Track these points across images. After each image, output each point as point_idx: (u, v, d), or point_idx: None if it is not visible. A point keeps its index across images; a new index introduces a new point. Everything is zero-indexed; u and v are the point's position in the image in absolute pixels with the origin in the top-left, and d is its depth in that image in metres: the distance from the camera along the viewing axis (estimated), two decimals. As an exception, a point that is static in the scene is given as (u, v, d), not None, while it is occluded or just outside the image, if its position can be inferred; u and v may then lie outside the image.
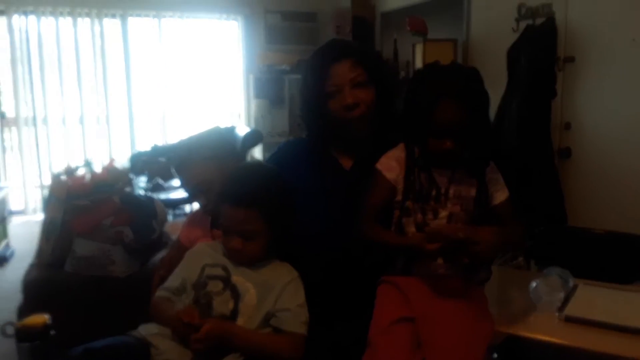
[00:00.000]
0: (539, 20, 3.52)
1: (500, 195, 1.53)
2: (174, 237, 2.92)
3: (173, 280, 1.52)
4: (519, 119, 3.41)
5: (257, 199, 1.43)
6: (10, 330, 1.37)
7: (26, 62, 5.36)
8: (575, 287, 1.70)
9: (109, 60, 5.66)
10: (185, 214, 4.34)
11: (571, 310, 1.56)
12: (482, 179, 1.50)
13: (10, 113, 5.44)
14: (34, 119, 5.42)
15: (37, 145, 5.47)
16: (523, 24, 3.60)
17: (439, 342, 1.38)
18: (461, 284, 1.48)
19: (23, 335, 1.34)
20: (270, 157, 1.82)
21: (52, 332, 1.36)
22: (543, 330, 1.51)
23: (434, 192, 1.47)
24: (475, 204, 1.49)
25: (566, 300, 1.61)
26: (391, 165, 1.50)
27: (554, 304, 1.59)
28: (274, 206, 1.45)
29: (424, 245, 1.39)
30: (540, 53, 3.40)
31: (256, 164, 1.65)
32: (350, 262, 1.57)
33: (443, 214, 1.48)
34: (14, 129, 5.46)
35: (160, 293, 1.51)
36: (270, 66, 5.51)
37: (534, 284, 1.64)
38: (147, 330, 1.44)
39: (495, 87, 3.59)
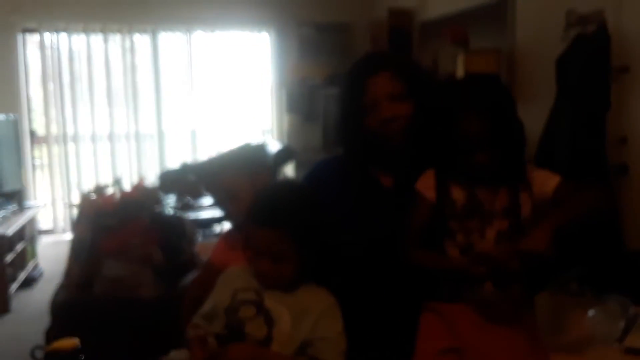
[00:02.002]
0: (590, 28, 3.35)
1: (550, 183, 1.43)
2: (204, 258, 2.86)
3: (205, 306, 1.47)
4: (570, 133, 3.24)
5: (286, 218, 1.36)
6: (39, 354, 1.37)
7: (57, 79, 5.40)
8: (635, 316, 1.60)
9: (139, 76, 5.68)
10: (215, 235, 4.24)
11: (632, 341, 1.49)
12: (522, 180, 1.43)
13: (40, 131, 5.48)
14: (64, 136, 5.45)
15: (66, 163, 5.48)
16: (573, 32, 3.42)
17: None
18: (511, 310, 1.39)
19: (52, 359, 1.35)
20: (305, 176, 1.77)
21: (82, 357, 1.36)
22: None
23: (476, 210, 1.41)
24: (521, 218, 1.41)
25: (626, 330, 1.54)
26: (429, 184, 1.46)
27: (612, 335, 1.52)
28: (304, 226, 1.37)
29: (469, 268, 1.35)
30: (592, 63, 3.23)
31: (285, 182, 1.61)
32: (392, 287, 1.50)
33: (490, 233, 1.40)
34: (44, 146, 5.47)
35: (193, 319, 1.46)
36: (303, 80, 5.44)
37: (591, 313, 1.57)
38: (178, 355, 1.40)
39: (544, 99, 3.43)
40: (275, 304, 1.36)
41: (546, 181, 1.44)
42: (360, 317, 1.44)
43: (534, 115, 3.10)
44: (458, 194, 1.42)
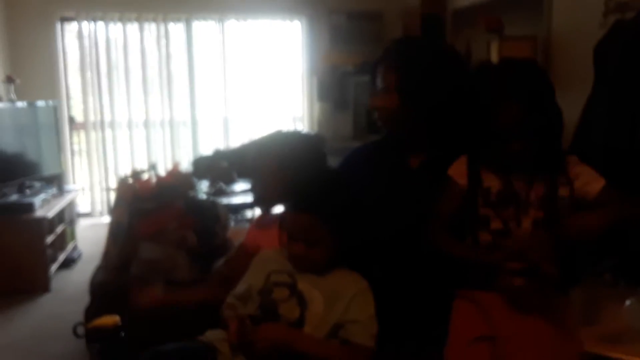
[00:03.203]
0: (630, 14, 3.27)
1: (594, 185, 1.38)
2: (237, 242, 2.90)
3: (239, 287, 1.50)
4: (609, 122, 3.17)
5: (321, 204, 1.39)
6: (81, 330, 1.41)
7: (95, 67, 5.50)
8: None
9: (174, 64, 5.74)
10: (247, 220, 4.29)
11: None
12: (563, 173, 1.39)
13: (79, 117, 5.59)
14: (102, 123, 5.55)
15: (104, 148, 5.59)
16: (611, 19, 3.35)
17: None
18: (543, 301, 1.36)
19: (93, 335, 1.39)
20: (342, 162, 1.79)
21: (122, 334, 1.40)
22: (638, 352, 1.41)
23: (512, 198, 1.39)
24: (558, 207, 1.38)
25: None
26: (462, 171, 1.45)
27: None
28: (338, 212, 1.40)
29: (504, 264, 1.33)
30: (631, 50, 3.15)
31: (320, 168, 1.61)
32: (422, 272, 1.50)
33: (526, 221, 1.39)
34: (82, 132, 5.60)
35: (228, 299, 1.49)
36: (334, 68, 5.43)
37: (627, 303, 1.54)
38: (214, 335, 1.42)
39: (581, 87, 3.37)
40: (308, 287, 1.39)
41: (591, 182, 1.39)
42: (392, 302, 1.45)
43: (570, 104, 3.04)
44: (492, 182, 1.40)
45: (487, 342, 1.34)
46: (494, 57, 3.94)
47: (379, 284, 1.44)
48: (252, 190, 1.82)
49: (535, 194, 1.38)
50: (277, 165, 1.63)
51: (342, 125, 5.52)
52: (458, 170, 1.45)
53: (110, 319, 1.42)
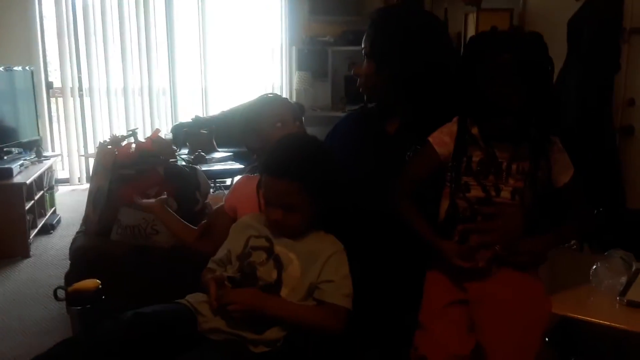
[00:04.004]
0: (604, -11, 3.32)
1: (564, 176, 1.44)
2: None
3: (219, 253, 1.52)
4: (579, 94, 3.25)
5: (299, 171, 1.38)
6: (61, 294, 1.40)
7: (72, 33, 5.41)
8: (637, 271, 1.61)
9: (152, 31, 5.67)
10: (226, 186, 4.34)
11: (634, 294, 1.49)
12: (545, 155, 1.41)
13: (56, 83, 5.52)
14: (80, 89, 5.49)
15: (82, 115, 5.55)
16: (586, -7, 3.40)
17: (494, 325, 1.33)
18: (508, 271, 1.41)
19: (74, 298, 1.37)
20: (331, 130, 1.83)
21: (103, 297, 1.39)
22: (603, 314, 1.45)
23: (493, 168, 1.39)
24: (536, 182, 1.41)
25: (628, 285, 1.54)
26: (444, 140, 1.43)
27: (615, 288, 1.53)
28: (317, 179, 1.40)
29: (455, 261, 1.35)
30: (605, 24, 3.22)
31: (301, 135, 1.57)
32: (395, 234, 1.50)
33: (506, 190, 1.40)
34: (60, 99, 5.54)
35: (209, 265, 1.52)
36: (314, 38, 5.41)
37: (595, 267, 1.57)
38: (194, 298, 1.44)
39: (554, 59, 3.41)
40: (285, 250, 1.41)
41: (562, 172, 1.43)
42: (369, 268, 1.48)
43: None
44: (474, 150, 1.41)
45: (461, 306, 1.37)
46: (471, 30, 3.99)
47: (357, 249, 1.46)
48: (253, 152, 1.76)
49: (516, 167, 1.39)
50: (279, 126, 1.60)
51: (321, 95, 5.53)
52: (439, 139, 1.44)
53: (92, 282, 1.42)
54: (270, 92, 2.40)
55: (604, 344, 1.65)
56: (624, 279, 1.54)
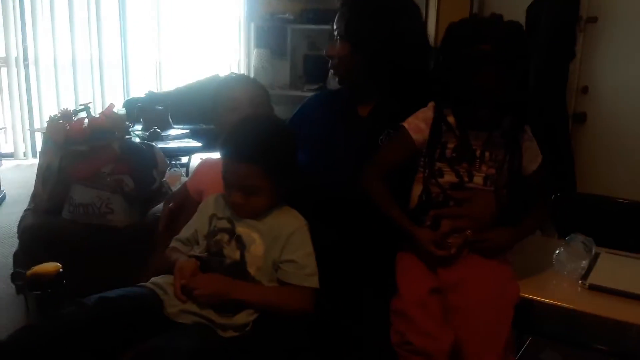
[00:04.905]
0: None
1: (533, 164, 1.48)
2: (173, 187, 2.87)
3: (185, 231, 1.49)
4: (534, 80, 3.31)
5: (260, 154, 1.35)
6: (18, 278, 1.36)
7: (17, 0, 5.13)
8: (597, 255, 1.65)
9: (103, 2, 5.43)
10: (182, 164, 4.24)
11: (595, 278, 1.52)
12: (517, 144, 1.44)
13: (0, 52, 5.24)
14: (25, 59, 5.23)
15: (27, 87, 5.30)
16: (545, -21, 3.45)
17: (466, 311, 1.35)
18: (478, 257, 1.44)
19: (33, 283, 1.32)
20: (297, 110, 1.80)
21: (64, 281, 1.34)
22: (566, 297, 1.47)
23: (467, 155, 1.41)
24: (509, 170, 1.44)
25: (589, 269, 1.57)
26: (419, 126, 1.43)
27: (576, 272, 1.55)
28: (277, 161, 1.37)
29: (430, 249, 1.38)
30: (562, 12, 3.28)
31: (261, 116, 1.52)
32: (361, 212, 1.50)
33: (478, 176, 1.42)
34: (3, 69, 5.27)
35: (172, 243, 1.48)
36: (274, 15, 5.31)
37: (557, 252, 1.59)
38: (162, 279, 1.40)
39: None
40: (248, 230, 1.39)
41: (532, 160, 1.46)
42: (337, 251, 1.47)
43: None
44: (448, 137, 1.41)
45: (438, 294, 1.38)
46: (432, 14, 4.00)
47: (325, 231, 1.45)
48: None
49: (489, 154, 1.41)
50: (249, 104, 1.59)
51: (279, 74, 5.45)
52: (415, 125, 1.43)
53: (52, 266, 1.37)
54: (234, 72, 2.36)
55: (561, 324, 1.69)
56: (584, 263, 1.57)
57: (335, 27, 1.60)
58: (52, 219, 2.51)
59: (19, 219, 2.60)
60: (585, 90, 3.58)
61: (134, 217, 2.53)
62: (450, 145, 1.41)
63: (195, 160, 4.02)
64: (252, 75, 5.55)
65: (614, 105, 3.50)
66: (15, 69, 5.23)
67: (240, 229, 1.40)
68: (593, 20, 3.44)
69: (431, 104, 1.45)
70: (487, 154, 1.41)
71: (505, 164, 1.42)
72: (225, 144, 1.39)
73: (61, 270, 1.35)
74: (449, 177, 1.42)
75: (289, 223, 1.41)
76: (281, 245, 1.38)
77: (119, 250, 2.42)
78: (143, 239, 2.24)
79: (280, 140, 1.41)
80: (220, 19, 5.84)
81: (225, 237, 1.40)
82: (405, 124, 1.44)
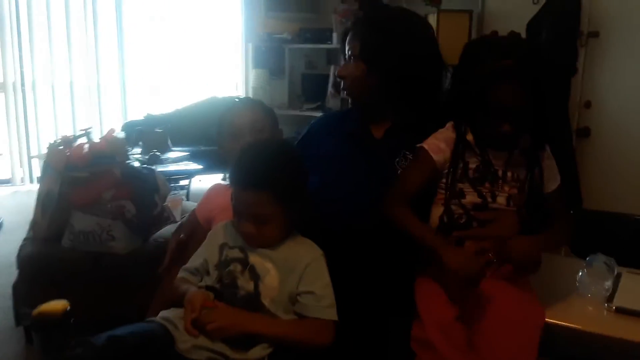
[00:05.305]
0: (562, -9, 3.37)
1: (552, 183, 1.47)
2: (175, 212, 2.82)
3: (193, 261, 1.43)
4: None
5: (269, 180, 1.30)
6: (25, 319, 1.24)
7: (15, 24, 5.10)
8: (619, 275, 1.60)
9: (101, 25, 5.41)
10: (182, 187, 4.18)
11: (621, 301, 1.47)
12: (538, 163, 1.43)
13: (-3, 78, 5.21)
14: (22, 84, 5.19)
15: (24, 111, 5.24)
16: (545, -4, 3.45)
17: (492, 332, 1.30)
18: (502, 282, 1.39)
19: (40, 324, 1.24)
20: (304, 132, 1.76)
21: (72, 320, 1.27)
22: (592, 321, 1.43)
23: (489, 175, 1.39)
24: (530, 189, 1.42)
25: (614, 290, 1.52)
26: (440, 146, 1.41)
27: (600, 294, 1.50)
28: (286, 186, 1.33)
29: (463, 273, 1.31)
30: (563, 27, 3.27)
31: (265, 142, 1.48)
32: (380, 237, 1.47)
33: (501, 196, 1.40)
34: (1, 94, 5.22)
35: (180, 273, 1.43)
36: (271, 35, 5.31)
37: (580, 274, 1.54)
38: (172, 313, 1.34)
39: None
40: (261, 260, 1.34)
41: (551, 179, 1.45)
42: (353, 277, 1.43)
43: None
44: (470, 157, 1.40)
45: (461, 323, 1.33)
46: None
47: (341, 257, 1.41)
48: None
49: (511, 174, 1.40)
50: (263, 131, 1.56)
51: (278, 93, 5.44)
52: (435, 145, 1.41)
53: (59, 304, 1.28)
54: (238, 95, 2.33)
55: (584, 346, 1.63)
56: (608, 284, 1.53)
57: (347, 47, 1.57)
58: (52, 247, 2.46)
59: (16, 247, 2.53)
60: (588, 105, 3.56)
61: (135, 243, 2.49)
62: (472, 165, 1.39)
63: (196, 183, 3.96)
64: (250, 95, 5.54)
65: (617, 119, 3.48)
66: (13, 93, 5.18)
67: (254, 259, 1.35)
68: (595, 35, 3.43)
69: (450, 124, 1.43)
70: (509, 173, 1.40)
71: (526, 183, 1.41)
72: (233, 171, 1.35)
73: (69, 308, 1.28)
74: (471, 198, 1.39)
75: (305, 253, 1.36)
76: (298, 277, 1.33)
77: (121, 277, 2.38)
78: (145, 265, 2.21)
79: (288, 164, 1.37)
80: (218, 40, 5.83)
81: (238, 267, 1.35)
82: (425, 145, 1.42)
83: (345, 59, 1.58)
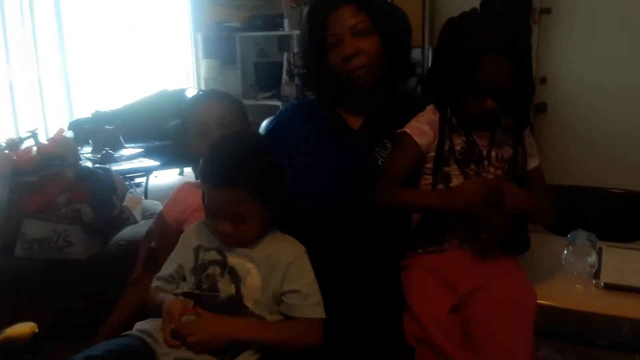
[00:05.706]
0: (515, -29, 3.39)
1: (533, 161, 1.45)
2: (135, 212, 2.70)
3: (167, 268, 1.35)
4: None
5: (244, 175, 1.23)
6: None
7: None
8: (600, 250, 1.58)
9: (39, 18, 5.12)
10: (137, 185, 4.04)
11: (608, 276, 1.45)
12: (521, 141, 1.40)
13: None
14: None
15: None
16: (498, -24, 3.45)
17: (486, 318, 1.26)
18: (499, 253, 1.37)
19: (7, 351, 1.14)
20: (270, 123, 1.67)
21: (43, 342, 1.17)
22: (583, 300, 1.41)
23: (474, 156, 1.36)
24: (514, 167, 1.39)
25: (599, 266, 1.50)
26: (423, 129, 1.36)
27: (586, 270, 1.49)
28: (264, 181, 1.26)
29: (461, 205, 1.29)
30: (515, 4, 3.28)
31: (234, 136, 1.40)
32: (362, 231, 1.42)
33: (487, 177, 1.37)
34: None
35: (154, 283, 1.34)
36: (220, 23, 5.17)
37: (565, 251, 1.52)
38: (150, 325, 1.25)
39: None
40: (241, 261, 1.27)
41: (530, 158, 1.43)
42: (330, 264, 1.36)
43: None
44: (455, 139, 1.36)
45: (456, 315, 1.29)
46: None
47: (323, 253, 1.34)
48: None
49: (495, 154, 1.37)
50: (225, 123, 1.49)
51: (231, 83, 5.33)
52: (418, 129, 1.37)
53: (27, 327, 1.18)
54: (173, 85, 2.23)
55: (574, 325, 1.63)
56: (591, 260, 1.51)
57: (354, 22, 1.41)
58: (5, 258, 2.32)
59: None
60: (543, 80, 3.61)
61: (95, 247, 2.37)
62: (458, 147, 1.36)
63: (152, 179, 3.83)
64: (203, 86, 5.40)
65: (573, 94, 3.54)
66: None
67: (233, 260, 1.27)
68: (547, 11, 3.47)
69: (431, 107, 1.39)
70: (493, 153, 1.37)
71: (512, 162, 1.38)
72: (205, 169, 1.27)
73: (37, 330, 1.17)
74: (457, 181, 1.36)
75: (287, 251, 1.30)
76: (281, 275, 1.26)
77: (82, 284, 2.25)
78: (107, 269, 2.10)
79: (263, 158, 1.29)
80: (165, 30, 5.63)
81: (217, 270, 1.27)
82: (407, 129, 1.37)
83: (333, 40, 1.44)
